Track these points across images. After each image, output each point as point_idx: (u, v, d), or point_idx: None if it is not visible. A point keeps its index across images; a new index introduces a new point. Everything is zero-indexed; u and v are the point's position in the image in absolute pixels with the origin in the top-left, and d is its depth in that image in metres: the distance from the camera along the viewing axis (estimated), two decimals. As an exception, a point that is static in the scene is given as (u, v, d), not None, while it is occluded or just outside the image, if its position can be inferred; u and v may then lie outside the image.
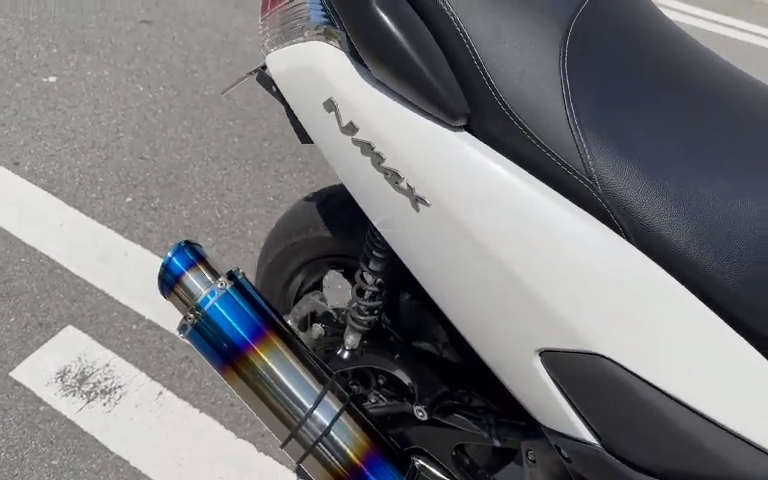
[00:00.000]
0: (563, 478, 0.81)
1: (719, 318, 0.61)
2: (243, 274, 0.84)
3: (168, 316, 1.57)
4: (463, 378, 0.94)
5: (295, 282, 1.14)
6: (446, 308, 0.73)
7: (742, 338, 0.61)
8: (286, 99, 0.79)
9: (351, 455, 0.79)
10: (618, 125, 0.62)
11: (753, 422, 0.61)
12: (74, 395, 1.40)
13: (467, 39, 0.64)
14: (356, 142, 0.71)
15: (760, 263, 0.61)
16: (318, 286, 1.21)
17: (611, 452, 0.67)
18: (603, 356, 0.63)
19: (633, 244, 0.62)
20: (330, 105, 0.72)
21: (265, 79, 0.88)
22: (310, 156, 2.20)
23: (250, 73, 0.91)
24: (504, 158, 0.64)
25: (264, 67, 0.87)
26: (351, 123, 0.70)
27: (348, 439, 0.79)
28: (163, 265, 0.80)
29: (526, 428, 0.86)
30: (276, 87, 0.87)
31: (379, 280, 0.93)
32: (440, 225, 0.66)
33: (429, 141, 0.66)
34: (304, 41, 0.75)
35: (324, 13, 0.74)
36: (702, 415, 0.62)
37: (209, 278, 0.81)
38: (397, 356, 0.97)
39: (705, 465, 0.64)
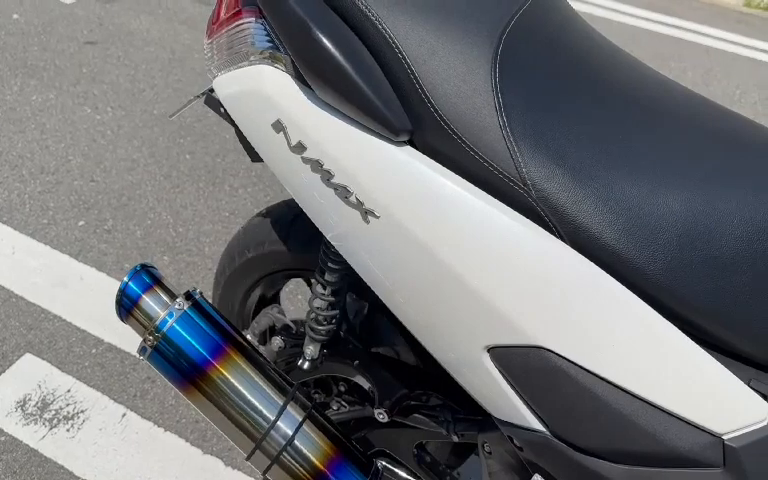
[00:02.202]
0: (517, 467, 0.86)
1: (648, 306, 0.67)
2: (201, 293, 0.86)
3: (127, 338, 1.57)
4: (420, 379, 0.98)
5: (253, 297, 1.16)
6: (399, 313, 0.77)
7: (669, 323, 0.67)
8: (235, 121, 0.82)
9: (315, 462, 0.82)
10: (548, 133, 0.67)
11: (680, 398, 0.67)
12: (36, 423, 1.39)
13: (405, 59, 0.68)
14: (305, 160, 0.74)
15: (683, 253, 0.66)
16: (276, 299, 1.23)
17: (558, 437, 0.72)
18: (544, 348, 0.67)
19: (567, 243, 0.67)
20: (278, 126, 0.75)
21: (213, 101, 0.91)
22: (264, 170, 2.21)
23: (198, 96, 0.94)
24: (445, 169, 0.69)
25: (212, 90, 0.90)
26: (300, 142, 0.73)
27: (312, 447, 0.82)
28: (120, 290, 0.82)
29: (481, 422, 0.90)
30: (224, 109, 0.89)
31: (335, 290, 0.96)
32: (390, 235, 0.70)
33: (375, 156, 0.70)
34: (250, 65, 0.78)
35: (268, 38, 0.77)
36: (635, 395, 0.67)
37: (166, 299, 0.83)
38: (356, 362, 1.00)
39: (641, 442, 0.69)
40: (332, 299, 0.97)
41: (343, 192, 0.72)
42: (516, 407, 0.73)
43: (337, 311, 0.98)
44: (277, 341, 1.09)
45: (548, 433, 0.73)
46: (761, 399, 0.67)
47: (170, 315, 0.81)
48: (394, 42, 0.69)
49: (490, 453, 0.88)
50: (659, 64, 3.53)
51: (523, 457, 0.78)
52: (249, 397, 0.81)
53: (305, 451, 0.82)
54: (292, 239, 1.04)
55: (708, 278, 0.66)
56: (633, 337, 0.67)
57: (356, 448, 0.87)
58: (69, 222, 1.91)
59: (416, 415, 0.97)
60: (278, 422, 0.81)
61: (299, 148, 0.74)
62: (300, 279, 1.24)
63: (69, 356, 1.53)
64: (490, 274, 0.68)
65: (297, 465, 0.81)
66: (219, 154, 2.27)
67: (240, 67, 0.79)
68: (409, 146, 0.70)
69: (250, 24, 0.79)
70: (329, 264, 0.93)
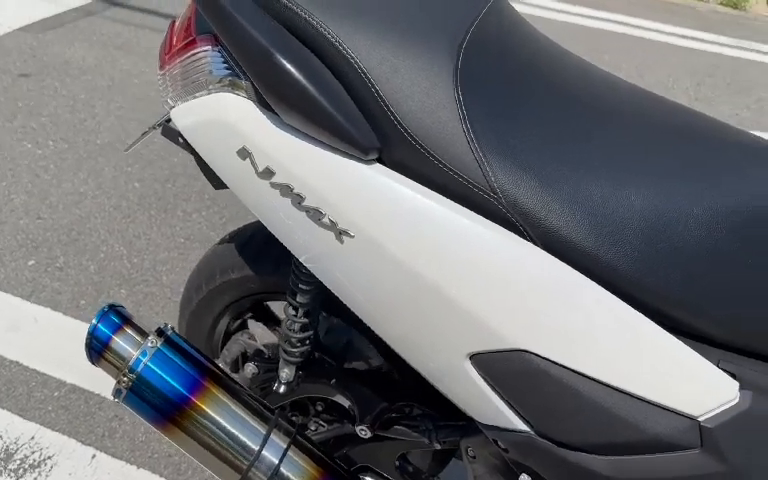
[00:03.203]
0: (503, 469, 0.87)
1: (620, 300, 0.69)
2: (172, 328, 0.84)
3: (91, 377, 1.52)
4: (399, 390, 0.98)
5: (221, 324, 1.15)
6: (378, 329, 0.77)
7: (641, 314, 0.69)
8: (197, 150, 0.81)
9: (303, 485, 0.81)
10: (512, 141, 0.69)
11: (656, 386, 0.69)
12: (1, 476, 1.33)
13: (368, 78, 0.69)
14: (274, 185, 0.73)
15: (648, 246, 0.69)
16: (244, 326, 1.22)
17: (543, 436, 0.74)
18: (525, 350, 0.69)
19: (539, 246, 0.68)
20: (244, 153, 0.74)
21: (170, 132, 0.89)
22: (217, 192, 2.18)
23: (154, 127, 0.92)
24: (416, 183, 0.69)
25: (168, 120, 0.88)
26: (267, 168, 0.73)
27: (298, 472, 0.82)
28: (89, 333, 0.80)
29: (464, 427, 0.92)
30: (183, 139, 0.88)
31: (308, 310, 0.95)
32: (365, 253, 0.71)
33: (346, 177, 0.70)
34: (209, 93, 0.77)
35: (226, 65, 0.76)
36: (614, 387, 0.69)
37: (138, 338, 0.81)
38: (334, 381, 1.00)
39: (622, 432, 0.71)
40: (305, 320, 0.96)
41: (315, 214, 0.72)
42: (500, 410, 0.74)
43: (311, 332, 0.98)
44: (250, 367, 1.08)
45: (533, 433, 0.74)
46: (730, 378, 0.70)
47: (143, 354, 0.79)
48: (356, 62, 0.69)
49: (474, 457, 0.89)
50: (594, 58, 3.65)
51: (509, 458, 0.80)
52: (231, 429, 0.80)
53: (292, 477, 0.81)
54: (259, 263, 1.03)
55: (673, 268, 0.69)
56: (608, 332, 0.69)
57: (341, 467, 0.86)
58: (18, 262, 1.84)
59: (397, 427, 0.98)
60: (263, 451, 0.81)
61: (267, 174, 0.73)
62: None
63: (30, 402, 1.47)
64: (467, 283, 0.69)
65: (285, 492, 0.81)
66: (169, 180, 2.22)
67: (199, 96, 0.78)
68: (378, 163, 0.71)
69: (206, 52, 0.78)
70: (300, 286, 0.93)
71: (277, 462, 0.81)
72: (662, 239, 0.69)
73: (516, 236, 0.68)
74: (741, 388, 0.70)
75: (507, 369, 0.70)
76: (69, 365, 1.55)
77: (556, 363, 0.69)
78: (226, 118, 0.75)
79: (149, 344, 0.80)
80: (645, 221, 0.69)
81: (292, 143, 0.72)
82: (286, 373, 1.01)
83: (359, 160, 0.70)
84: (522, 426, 0.74)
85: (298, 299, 0.94)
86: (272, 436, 0.82)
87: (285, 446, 0.82)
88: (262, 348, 1.12)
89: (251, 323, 1.19)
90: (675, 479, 0.72)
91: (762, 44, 4.19)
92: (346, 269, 0.73)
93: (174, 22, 0.88)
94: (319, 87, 0.68)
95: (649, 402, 0.70)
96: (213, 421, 0.80)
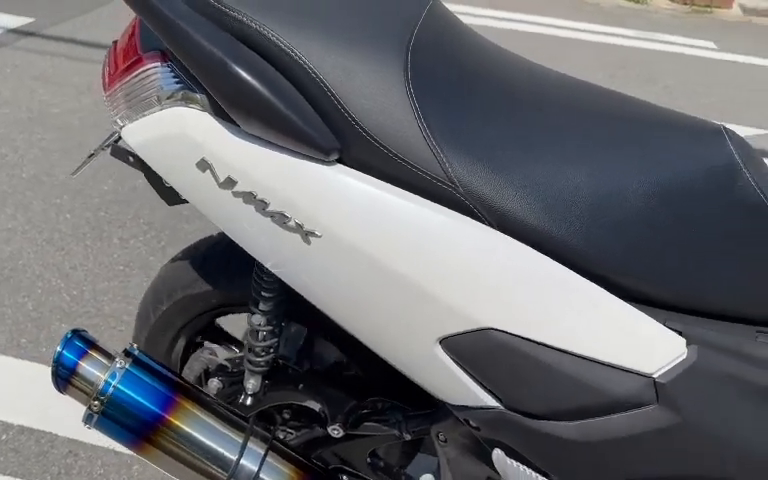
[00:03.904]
0: (474, 448, 0.90)
1: (573, 272, 0.74)
2: (138, 348, 0.83)
3: (40, 417, 1.46)
4: (368, 387, 1.01)
5: (179, 344, 1.13)
6: (348, 325, 0.79)
7: (594, 284, 0.74)
8: (152, 167, 0.81)
9: (284, 489, 0.82)
10: (464, 133, 0.73)
11: (613, 349, 0.75)
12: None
13: (323, 83, 0.71)
14: (237, 194, 0.75)
15: (595, 220, 0.74)
16: (201, 344, 1.20)
17: (512, 409, 0.78)
18: (491, 328, 0.73)
19: (496, 229, 0.72)
20: (203, 165, 0.75)
21: (120, 151, 0.89)
22: (152, 214, 2.14)
23: (102, 148, 0.91)
24: (377, 180, 0.72)
25: (116, 140, 0.88)
26: (229, 178, 0.74)
27: (278, 476, 0.83)
28: (54, 361, 0.78)
29: (433, 414, 0.95)
30: (133, 158, 0.88)
31: (271, 318, 0.96)
32: (333, 251, 0.73)
33: (309, 179, 0.72)
34: (162, 109, 0.77)
35: (177, 79, 0.77)
36: (575, 354, 0.74)
37: (104, 361, 0.80)
38: (301, 386, 1.01)
39: (585, 396, 0.76)
40: (269, 328, 0.97)
41: (281, 218, 0.73)
42: (470, 389, 0.78)
43: (276, 339, 0.99)
44: (214, 383, 1.08)
45: (502, 407, 0.78)
46: (677, 336, 0.76)
47: (112, 376, 0.78)
48: (310, 68, 0.71)
49: (446, 441, 0.92)
50: (513, 57, 3.78)
51: (480, 436, 0.83)
52: (208, 441, 0.81)
53: (273, 480, 0.82)
54: (215, 277, 1.03)
55: (618, 238, 0.74)
56: (564, 303, 0.74)
57: (319, 467, 0.88)
58: (-54, 308, 1.75)
59: (368, 423, 1.00)
60: (242, 460, 0.81)
61: (228, 183, 0.74)
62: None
63: (-25, 450, 1.40)
64: (432, 270, 0.72)
65: (267, 498, 0.81)
66: (101, 208, 2.17)
67: (151, 113, 0.78)
68: (339, 164, 0.73)
69: (156, 69, 0.78)
70: (263, 293, 0.93)
71: (256, 469, 0.81)
72: (605, 213, 0.74)
73: (475, 221, 0.72)
74: (688, 344, 0.76)
75: (475, 348, 0.74)
76: (15, 407, 1.48)
77: (519, 337, 0.73)
78: (183, 132, 0.75)
79: (117, 365, 0.79)
80: (589, 198, 0.74)
81: (253, 151, 0.73)
82: (252, 384, 1.01)
83: (320, 162, 0.72)
84: (492, 402, 0.78)
85: (261, 307, 0.95)
86: (249, 444, 0.82)
87: (263, 452, 0.82)
88: (224, 363, 1.11)
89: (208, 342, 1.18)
90: (637, 435, 0.77)
91: (664, 34, 4.47)
92: (314, 269, 0.75)
93: (116, 43, 0.88)
94: (277, 94, 0.70)
95: (608, 365, 0.75)
96: (189, 436, 0.80)
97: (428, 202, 0.72)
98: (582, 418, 0.78)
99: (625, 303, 0.75)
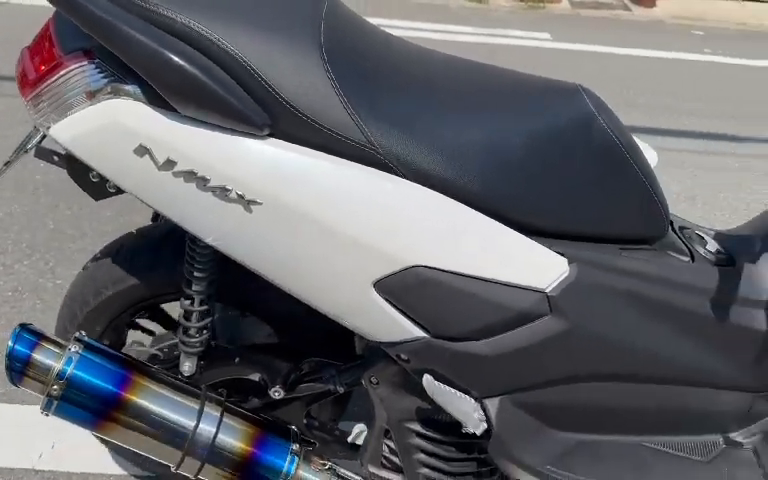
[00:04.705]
0: (403, 383, 1.02)
1: (475, 211, 0.88)
2: (84, 334, 0.87)
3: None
4: (300, 351, 1.09)
5: (107, 339, 1.15)
6: (288, 284, 0.88)
7: (493, 220, 0.89)
8: (86, 161, 0.84)
9: (244, 446, 0.89)
10: (380, 101, 0.85)
11: (514, 271, 0.90)
12: None
13: (250, 66, 0.80)
14: (177, 174, 0.81)
15: (487, 166, 0.89)
16: (124, 339, 1.23)
17: (438, 337, 0.91)
18: (416, 265, 0.85)
19: (411, 181, 0.85)
20: (141, 150, 0.81)
21: (44, 152, 0.91)
22: (33, 238, 2.07)
23: (25, 150, 0.93)
24: (306, 148, 0.82)
25: (40, 141, 0.90)
26: (168, 159, 0.80)
27: (236, 434, 0.90)
28: (7, 355, 0.80)
29: (363, 363, 1.05)
30: (58, 157, 0.91)
31: (204, 298, 1.02)
32: (274, 216, 0.82)
33: (246, 152, 0.80)
34: (92, 104, 0.81)
35: (104, 75, 0.82)
36: (483, 279, 0.88)
37: (57, 350, 0.83)
38: (237, 360, 1.08)
39: (495, 314, 0.91)
40: (203, 308, 1.03)
41: (222, 192, 0.81)
42: (401, 325, 0.89)
43: (210, 319, 1.04)
44: (148, 372, 1.11)
45: (429, 336, 0.90)
46: (561, 256, 0.93)
47: (68, 362, 0.82)
48: (237, 54, 0.80)
49: (378, 383, 1.03)
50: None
51: (410, 368, 0.95)
52: (166, 412, 0.86)
53: (232, 440, 0.89)
54: (141, 271, 1.07)
55: (507, 180, 0.90)
56: (471, 236, 0.88)
57: (272, 421, 0.95)
58: None
59: (305, 384, 1.09)
60: (200, 424, 0.87)
61: (168, 165, 0.81)
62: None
63: None
64: (362, 222, 0.83)
65: (228, 455, 0.88)
66: (-25, 238, 2.05)
67: (81, 110, 0.82)
68: (271, 137, 0.82)
69: (80, 67, 0.83)
70: (196, 274, 0.99)
71: (215, 430, 0.88)
72: (494, 162, 0.89)
73: (393, 176, 0.84)
74: (569, 263, 0.93)
75: (404, 285, 0.86)
76: None
77: (439, 269, 0.86)
78: (117, 121, 0.80)
79: (73, 350, 0.82)
80: (481, 151, 0.89)
81: (190, 132, 0.80)
82: (188, 366, 1.06)
83: (254, 136, 0.81)
84: (420, 333, 0.90)
85: (194, 288, 1.00)
86: (205, 408, 0.88)
87: (219, 414, 0.89)
88: (156, 352, 1.15)
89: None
90: (537, 344, 0.93)
91: (505, 29, 4.87)
92: (257, 235, 0.83)
93: (29, 48, 0.90)
94: (210, 77, 0.78)
95: (510, 285, 0.90)
96: (148, 408, 0.85)
97: (353, 163, 0.83)
98: (493, 335, 0.92)
99: (518, 233, 0.91)
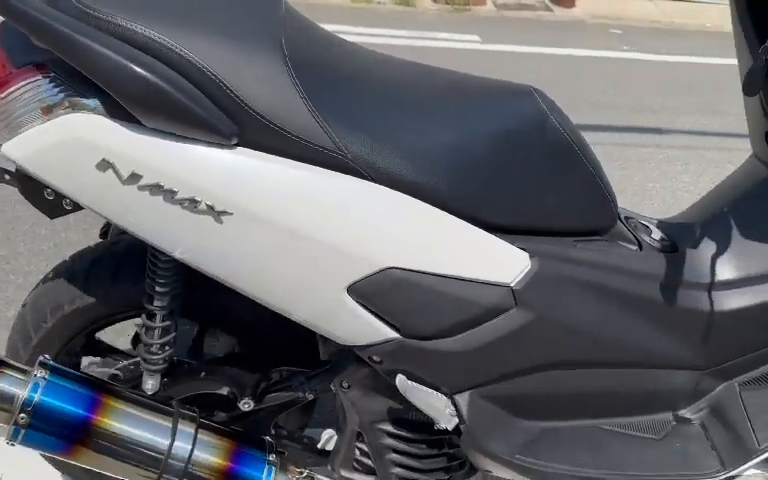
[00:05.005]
0: (374, 385, 1.03)
1: (442, 211, 0.90)
2: (48, 357, 0.84)
3: None
4: (267, 361, 1.08)
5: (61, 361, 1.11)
6: (260, 293, 0.87)
7: (457, 218, 0.91)
8: (42, 178, 0.81)
9: (220, 462, 0.88)
10: (345, 108, 0.86)
11: (480, 269, 0.92)
12: None
13: (215, 76, 0.79)
14: (143, 188, 0.79)
15: (451, 168, 0.91)
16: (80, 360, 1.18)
17: (409, 336, 0.92)
18: (389, 267, 0.86)
19: (380, 184, 0.86)
20: (104, 165, 0.79)
21: None
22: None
23: None
24: (276, 157, 0.82)
25: None
26: (133, 173, 0.79)
27: (212, 450, 0.88)
28: (-34, 387, 0.76)
29: (332, 369, 1.06)
30: (10, 175, 0.87)
31: (167, 313, 1.00)
32: (245, 226, 0.81)
33: (213, 163, 0.80)
34: (49, 120, 0.79)
35: (60, 89, 0.79)
36: (451, 277, 0.91)
37: (20, 377, 0.80)
38: (203, 374, 1.06)
39: (464, 311, 0.93)
40: (166, 323, 1.00)
41: (191, 204, 0.80)
42: (374, 327, 0.91)
43: (173, 334, 1.02)
44: (109, 394, 1.07)
45: (401, 337, 0.92)
46: (522, 251, 0.96)
47: (35, 388, 0.78)
48: (201, 64, 0.79)
49: (349, 386, 1.03)
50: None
51: (383, 369, 0.96)
52: (140, 432, 0.84)
53: (208, 457, 0.88)
54: (98, 288, 1.03)
55: (468, 181, 0.92)
56: (439, 236, 0.90)
57: (247, 435, 0.94)
58: None
59: (272, 394, 1.08)
60: (175, 442, 0.85)
61: (133, 179, 0.79)
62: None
63: None
64: (334, 227, 0.84)
65: (206, 472, 0.87)
66: None
67: (36, 126, 0.79)
68: (240, 147, 0.81)
69: (34, 82, 0.80)
70: (158, 289, 0.97)
71: (190, 447, 0.86)
72: (456, 163, 0.92)
73: (363, 180, 0.85)
74: (530, 257, 0.96)
75: (379, 288, 0.87)
76: None
77: (410, 270, 0.88)
78: (78, 136, 0.78)
79: (38, 376, 0.79)
80: (444, 153, 0.91)
81: (156, 144, 0.78)
82: (151, 384, 1.03)
83: (222, 146, 0.80)
84: (393, 334, 0.92)
85: (156, 303, 0.98)
86: (179, 426, 0.87)
87: (193, 431, 0.87)
88: (116, 371, 1.11)
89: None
90: (504, 337, 0.97)
91: (436, 33, 4.94)
92: (228, 246, 0.83)
93: None
94: (176, 88, 0.77)
95: (477, 282, 0.93)
96: (121, 431, 0.82)
97: (323, 170, 0.84)
98: (462, 332, 0.95)
99: (483, 231, 0.94)
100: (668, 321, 1.10)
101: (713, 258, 1.14)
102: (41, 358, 0.83)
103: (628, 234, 1.12)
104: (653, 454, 1.14)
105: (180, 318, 1.10)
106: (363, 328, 0.90)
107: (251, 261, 0.84)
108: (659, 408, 1.20)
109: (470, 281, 0.92)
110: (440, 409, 0.98)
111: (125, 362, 1.11)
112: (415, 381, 0.96)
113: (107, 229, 1.25)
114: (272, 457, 0.92)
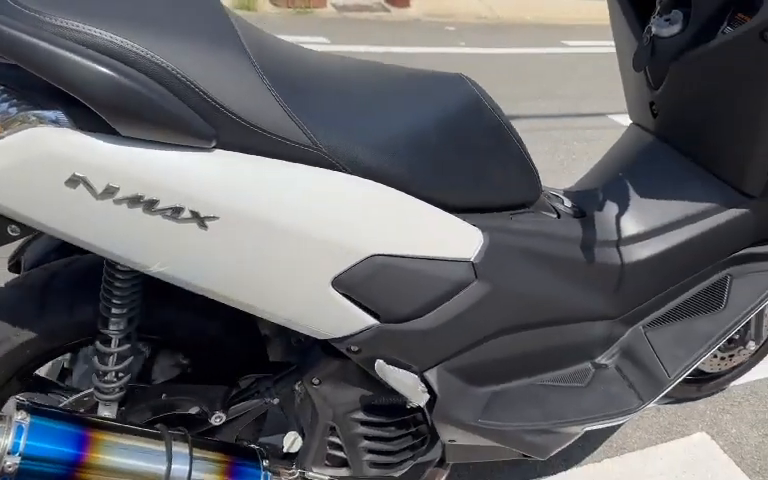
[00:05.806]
0: (347, 377, 1.04)
1: (408, 195, 0.94)
2: (22, 398, 0.76)
3: None
4: (230, 372, 1.05)
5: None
6: (241, 296, 0.85)
7: (420, 200, 0.96)
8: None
9: (219, 477, 0.85)
10: (314, 105, 0.87)
11: (442, 247, 0.98)
12: None
13: (187, 80, 0.76)
14: (119, 201, 0.75)
15: (409, 156, 0.95)
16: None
17: (387, 321, 0.95)
18: (373, 254, 0.89)
19: (354, 175, 0.88)
20: (75, 180, 0.73)
21: None
22: None
23: None
24: (256, 156, 0.81)
25: None
26: (108, 186, 0.74)
27: (210, 466, 0.85)
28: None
29: (299, 368, 1.05)
30: None
31: (124, 337, 0.94)
32: (231, 227, 0.79)
33: (196, 168, 0.77)
34: (8, 136, 0.71)
35: (16, 104, 0.73)
36: (420, 257, 0.95)
37: None
38: (164, 396, 1.01)
39: (433, 289, 0.98)
40: (122, 348, 0.94)
41: (173, 213, 0.77)
42: (355, 316, 0.93)
43: (130, 358, 0.96)
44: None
45: (379, 323, 0.95)
46: (476, 228, 1.03)
47: (19, 433, 0.71)
48: (172, 69, 0.76)
49: (319, 382, 1.04)
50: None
51: (360, 358, 0.98)
52: (135, 462, 0.79)
53: (206, 474, 0.84)
54: (36, 323, 0.94)
55: (428, 163, 0.98)
56: (410, 219, 0.95)
57: (240, 444, 0.92)
58: None
59: (240, 404, 1.05)
60: (172, 465, 0.81)
61: (108, 192, 0.74)
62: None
63: None
64: (318, 221, 0.85)
65: (205, 489, 0.83)
66: None
67: None
68: (219, 149, 0.79)
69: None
70: (114, 311, 0.91)
71: (188, 468, 0.82)
72: (414, 148, 0.97)
73: (338, 172, 0.87)
74: (482, 232, 1.04)
75: (363, 276, 0.89)
76: None
77: (392, 255, 0.91)
78: (42, 152, 0.72)
79: (20, 420, 0.71)
80: (404, 139, 0.96)
81: (133, 153, 0.74)
82: (108, 414, 0.97)
83: (202, 150, 0.78)
84: (372, 321, 0.94)
85: (112, 328, 0.92)
86: (173, 448, 0.82)
87: (188, 451, 0.83)
88: (68, 406, 1.02)
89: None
90: (469, 308, 1.03)
91: (283, 35, 4.94)
92: (211, 253, 0.80)
93: None
94: (153, 93, 0.73)
95: (446, 260, 0.98)
96: (116, 464, 0.77)
97: (301, 165, 0.84)
98: (431, 310, 1.00)
99: (443, 211, 0.99)
100: (586, 277, 1.23)
101: (617, 217, 1.30)
102: (17, 400, 0.75)
103: (548, 204, 1.24)
104: (584, 400, 1.27)
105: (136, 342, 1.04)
106: (344, 319, 0.92)
107: (237, 266, 0.82)
108: (580, 359, 1.33)
109: (440, 260, 0.97)
110: (413, 387, 1.02)
111: (77, 395, 1.02)
112: (391, 365, 0.99)
113: (17, 260, 1.14)
114: (266, 463, 0.90)
